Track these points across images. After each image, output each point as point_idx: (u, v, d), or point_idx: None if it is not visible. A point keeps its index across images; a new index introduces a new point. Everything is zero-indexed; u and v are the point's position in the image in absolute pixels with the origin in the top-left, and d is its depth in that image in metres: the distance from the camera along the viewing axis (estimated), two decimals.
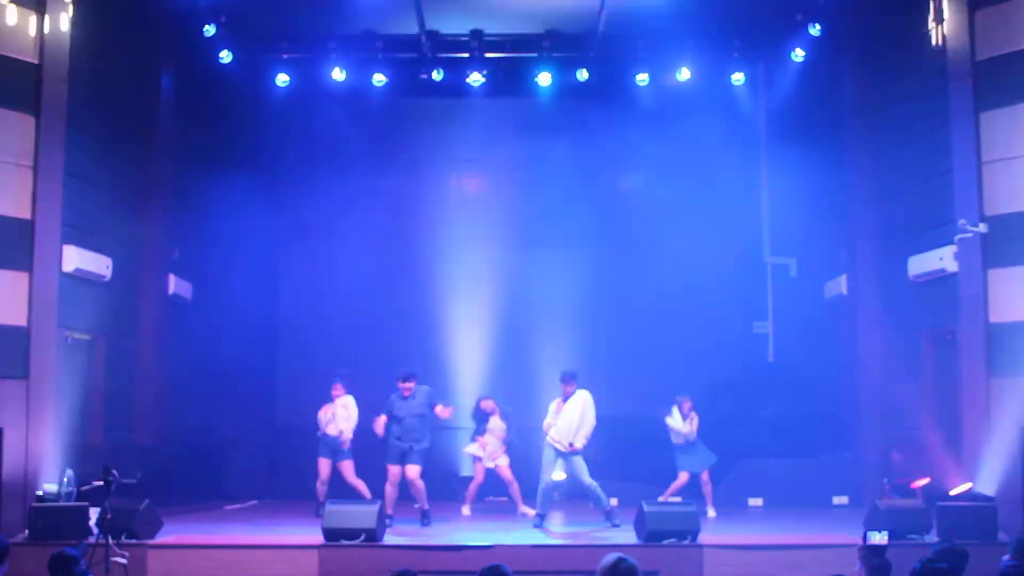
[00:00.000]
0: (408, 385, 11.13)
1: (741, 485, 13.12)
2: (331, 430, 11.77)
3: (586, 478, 10.95)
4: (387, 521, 10.30)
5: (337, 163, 14.85)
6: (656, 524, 9.41)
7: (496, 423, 12.37)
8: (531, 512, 11.39)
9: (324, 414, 11.89)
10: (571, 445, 10.92)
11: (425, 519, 11.15)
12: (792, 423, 13.59)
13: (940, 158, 11.15)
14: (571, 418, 10.99)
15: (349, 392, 11.95)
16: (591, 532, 10.66)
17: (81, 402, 11.36)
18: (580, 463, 10.96)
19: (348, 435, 11.71)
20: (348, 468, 11.73)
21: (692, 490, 12.03)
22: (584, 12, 13.22)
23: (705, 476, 12.06)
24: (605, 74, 14.10)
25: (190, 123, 13.69)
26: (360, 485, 11.65)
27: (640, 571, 4.30)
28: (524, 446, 12.57)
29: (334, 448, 11.76)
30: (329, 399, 11.96)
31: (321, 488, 11.79)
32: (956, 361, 10.91)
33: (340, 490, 11.66)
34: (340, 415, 11.78)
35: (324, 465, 11.83)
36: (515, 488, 12.21)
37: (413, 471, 11.12)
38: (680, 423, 11.96)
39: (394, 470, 11.15)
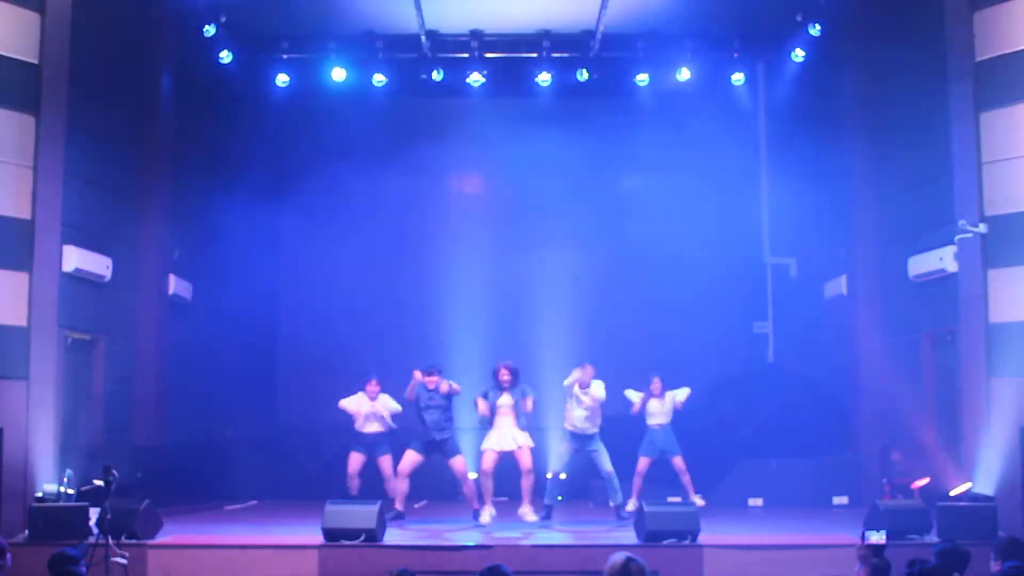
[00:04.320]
0: (433, 379, 11.07)
1: (741, 485, 13.10)
2: (370, 427, 11.50)
3: (607, 465, 10.90)
4: (387, 517, 9.97)
5: (337, 163, 14.83)
6: (656, 524, 9.39)
7: (504, 399, 11.25)
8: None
9: (360, 409, 11.51)
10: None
11: (476, 516, 10.99)
12: (792, 423, 13.55)
13: (940, 158, 11.13)
14: (596, 402, 10.93)
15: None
16: (591, 532, 10.65)
17: (81, 402, 11.36)
18: (603, 449, 10.88)
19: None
20: (387, 463, 11.48)
21: (673, 484, 11.94)
22: (584, 12, 13.23)
23: (681, 464, 11.75)
24: (605, 74, 14.11)
25: (190, 123, 13.68)
26: (393, 483, 11.36)
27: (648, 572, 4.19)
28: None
29: (371, 445, 11.48)
30: (348, 392, 11.63)
31: (352, 483, 11.49)
32: (956, 361, 10.90)
33: (368, 489, 11.49)
34: (387, 413, 11.54)
35: (356, 460, 11.50)
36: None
37: (459, 464, 11.03)
38: (637, 398, 11.73)
39: (410, 455, 11.00)
